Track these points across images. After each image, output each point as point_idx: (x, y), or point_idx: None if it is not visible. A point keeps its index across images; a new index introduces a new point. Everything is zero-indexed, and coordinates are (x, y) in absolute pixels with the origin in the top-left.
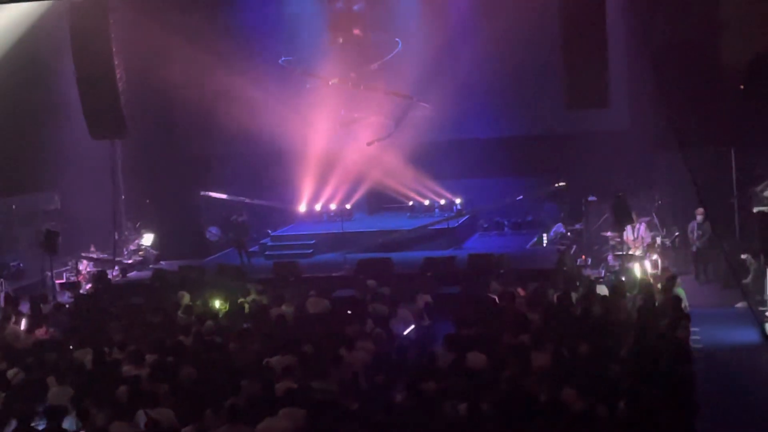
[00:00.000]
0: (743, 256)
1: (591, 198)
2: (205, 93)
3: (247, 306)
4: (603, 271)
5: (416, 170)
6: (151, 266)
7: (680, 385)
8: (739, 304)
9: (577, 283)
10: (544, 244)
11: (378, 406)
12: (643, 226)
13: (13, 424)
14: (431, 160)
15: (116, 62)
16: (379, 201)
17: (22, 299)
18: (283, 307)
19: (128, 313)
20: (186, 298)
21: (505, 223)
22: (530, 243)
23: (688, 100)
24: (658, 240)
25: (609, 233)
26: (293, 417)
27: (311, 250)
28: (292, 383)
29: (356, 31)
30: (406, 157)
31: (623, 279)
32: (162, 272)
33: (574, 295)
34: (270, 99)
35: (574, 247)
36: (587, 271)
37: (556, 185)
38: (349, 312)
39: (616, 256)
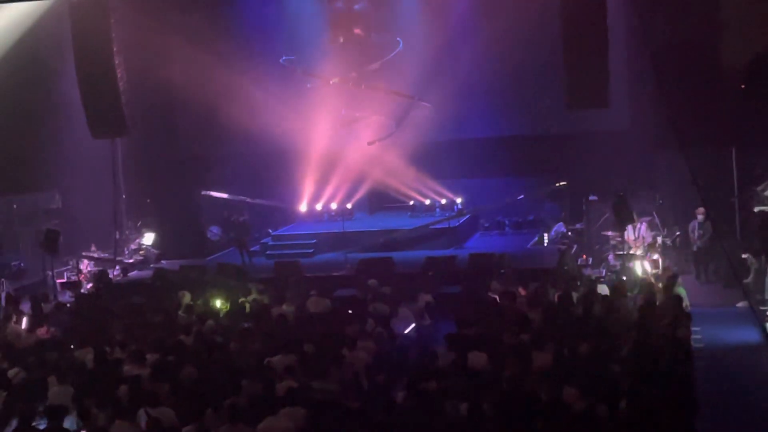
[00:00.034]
0: (744, 256)
1: (592, 197)
2: (206, 92)
3: (248, 305)
4: (604, 271)
5: (417, 170)
6: (152, 266)
7: (681, 384)
8: (740, 304)
9: (578, 283)
10: (545, 244)
11: (379, 405)
12: (644, 226)
13: (14, 423)
14: (432, 159)
15: (117, 62)
16: (380, 200)
17: (23, 299)
18: (284, 307)
19: (129, 313)
20: (187, 298)
21: (506, 222)
22: (531, 242)
23: (688, 100)
24: (659, 239)
25: (610, 233)
26: (294, 417)
27: (312, 250)
28: (293, 383)
29: (357, 31)
30: (407, 157)
31: (624, 278)
32: (163, 272)
33: (574, 295)
34: (271, 98)
35: (575, 246)
36: (588, 271)
37: (557, 185)
38: (350, 311)
39: (617, 256)
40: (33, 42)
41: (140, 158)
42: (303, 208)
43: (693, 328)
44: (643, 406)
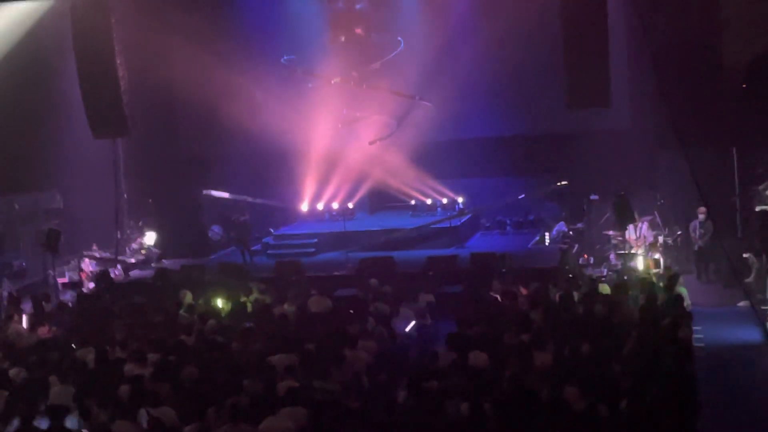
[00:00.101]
0: (745, 255)
1: (593, 197)
2: (207, 92)
3: (249, 305)
4: (605, 270)
5: (418, 169)
6: (153, 265)
7: (682, 384)
8: (741, 303)
9: (579, 282)
10: (546, 243)
11: (380, 405)
12: (645, 225)
13: (16, 422)
14: (433, 159)
15: (118, 61)
16: (382, 200)
17: (24, 298)
18: (286, 306)
19: (130, 312)
20: (188, 297)
21: (507, 222)
22: (532, 242)
23: (689, 100)
24: (660, 239)
25: (611, 232)
26: (295, 416)
27: (313, 249)
28: (294, 382)
29: (358, 30)
30: (408, 156)
31: (625, 278)
32: (164, 271)
33: (576, 295)
34: (272, 98)
35: (576, 246)
36: (589, 270)
37: (558, 184)
38: (351, 311)
39: (618, 255)
40: (34, 42)
41: (141, 158)
42: (304, 207)
43: (694, 328)
44: (644, 405)
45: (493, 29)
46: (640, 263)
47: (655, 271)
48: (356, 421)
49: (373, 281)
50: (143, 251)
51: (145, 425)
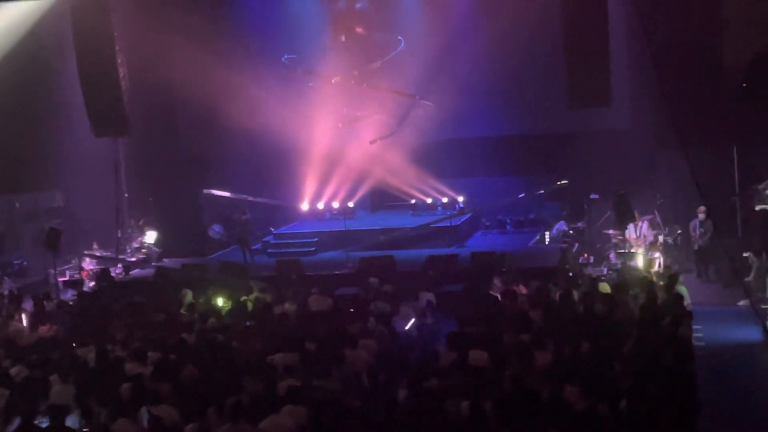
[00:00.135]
0: (745, 255)
1: (593, 196)
2: (207, 91)
3: (249, 304)
4: (605, 269)
5: (419, 168)
6: (153, 264)
7: (682, 383)
8: (741, 303)
9: (579, 282)
10: (547, 243)
11: (380, 404)
12: (645, 224)
13: (17, 421)
14: (434, 158)
15: (119, 61)
16: (382, 199)
17: (25, 297)
18: (286, 305)
19: (131, 311)
20: (189, 296)
21: (508, 221)
22: (532, 241)
23: (689, 99)
24: (661, 238)
25: (611, 231)
26: (295, 415)
27: (314, 248)
28: (294, 381)
29: (358, 30)
30: (408, 156)
31: (625, 277)
32: (165, 270)
33: (576, 294)
34: (272, 97)
35: (577, 245)
36: (589, 270)
37: (559, 183)
38: (351, 310)
39: (619, 254)
40: (35, 41)
41: (142, 157)
42: (305, 206)
43: (694, 327)
44: (644, 404)
45: (493, 29)
46: (640, 262)
47: (655, 270)
48: (356, 420)
49: (374, 280)
50: (144, 250)
51: (145, 424)
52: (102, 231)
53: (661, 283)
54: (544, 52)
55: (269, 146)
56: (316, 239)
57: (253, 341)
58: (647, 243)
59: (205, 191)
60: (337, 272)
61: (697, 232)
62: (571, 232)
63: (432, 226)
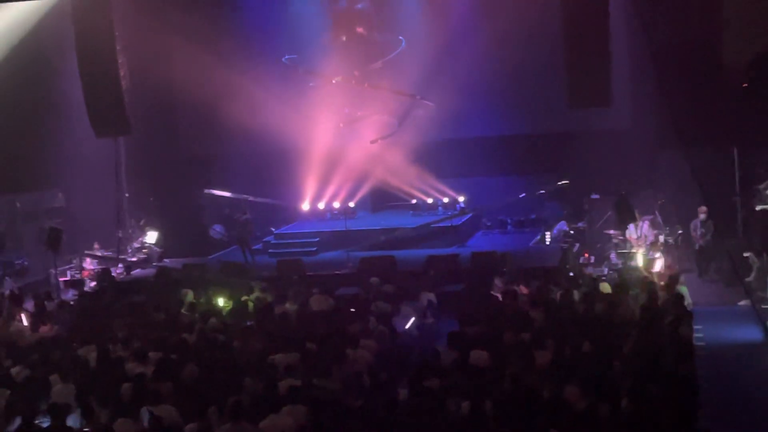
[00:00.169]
0: (746, 254)
1: (594, 196)
2: (208, 91)
3: (250, 304)
4: (606, 270)
5: (419, 168)
6: (154, 264)
7: (683, 383)
8: (742, 302)
9: (580, 282)
10: (547, 242)
11: (381, 403)
12: (646, 224)
13: (17, 421)
14: (434, 158)
15: (119, 61)
16: (383, 199)
17: (26, 297)
18: (287, 305)
19: (132, 311)
20: (189, 296)
21: (508, 221)
22: (533, 241)
23: (690, 99)
24: (661, 238)
25: (612, 231)
26: (296, 414)
27: (315, 248)
28: (295, 381)
29: (359, 30)
30: (409, 156)
31: (626, 277)
32: (166, 270)
33: (576, 294)
34: (273, 97)
35: (577, 245)
36: (590, 270)
37: (559, 183)
38: (352, 310)
39: (619, 254)
40: (35, 41)
41: (143, 157)
42: (305, 206)
43: (695, 327)
44: (645, 404)
45: (494, 29)
46: (641, 262)
47: (656, 270)
48: (357, 420)
49: (375, 280)
50: (145, 250)
51: (146, 424)
52: (103, 231)
53: (662, 283)
54: (545, 52)
55: (270, 146)
56: (317, 239)
57: (254, 341)
58: (648, 243)
59: (206, 191)
60: (338, 272)
61: (698, 232)
62: (571, 232)
63: (433, 226)
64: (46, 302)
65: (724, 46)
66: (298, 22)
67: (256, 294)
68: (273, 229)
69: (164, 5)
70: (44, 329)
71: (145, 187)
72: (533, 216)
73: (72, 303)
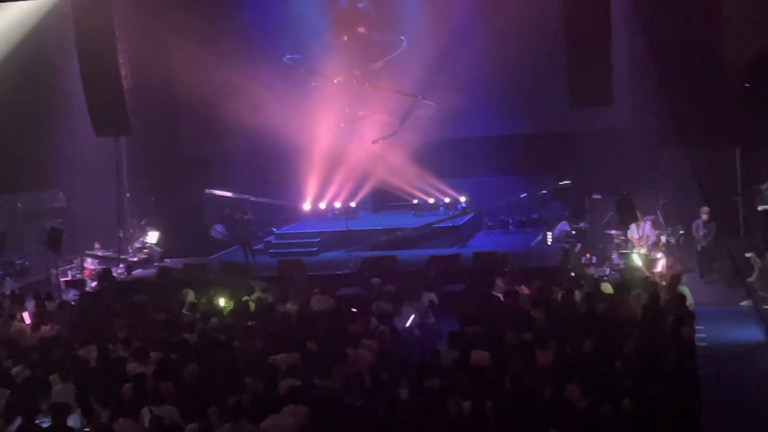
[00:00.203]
0: (748, 255)
1: (595, 196)
2: (209, 91)
3: (251, 304)
4: (607, 270)
5: (421, 168)
6: (155, 264)
7: (684, 383)
8: (744, 303)
9: (582, 282)
10: (549, 243)
11: (382, 403)
12: (648, 225)
13: (18, 421)
14: (436, 158)
15: (120, 60)
16: (384, 199)
17: (27, 297)
18: (288, 305)
19: (132, 311)
20: (190, 296)
21: (510, 221)
22: (535, 241)
23: (691, 99)
24: (663, 238)
25: (614, 231)
26: (297, 414)
27: (316, 248)
28: (295, 381)
29: (361, 29)
30: (410, 155)
31: (627, 277)
32: (166, 270)
33: (578, 294)
34: (274, 97)
35: (579, 245)
36: (592, 270)
37: (561, 183)
38: (353, 310)
39: (621, 254)
40: (36, 41)
41: (144, 157)
42: (306, 206)
43: (697, 327)
44: (647, 404)
45: (495, 28)
46: (642, 262)
47: (657, 270)
48: (358, 420)
49: (376, 280)
50: (145, 250)
51: (147, 424)
52: (104, 231)
53: (664, 283)
54: (545, 52)
55: (271, 146)
56: (318, 239)
57: (255, 341)
58: (650, 243)
59: (207, 191)
60: (339, 272)
61: (701, 233)
62: (573, 232)
63: (434, 226)
64: (46, 302)
65: (724, 46)
66: (299, 21)
67: (257, 294)
68: (274, 229)
69: (164, 5)
70: (45, 329)
71: (146, 187)
72: (535, 216)
73: (73, 303)
